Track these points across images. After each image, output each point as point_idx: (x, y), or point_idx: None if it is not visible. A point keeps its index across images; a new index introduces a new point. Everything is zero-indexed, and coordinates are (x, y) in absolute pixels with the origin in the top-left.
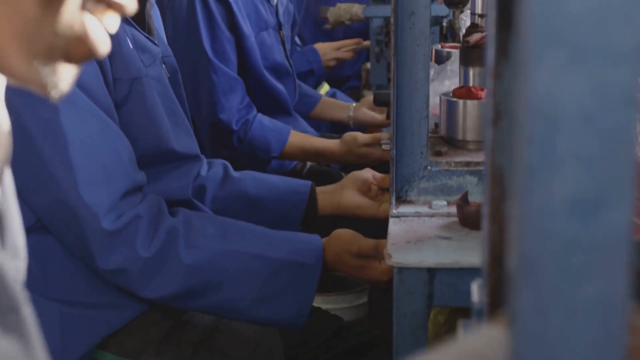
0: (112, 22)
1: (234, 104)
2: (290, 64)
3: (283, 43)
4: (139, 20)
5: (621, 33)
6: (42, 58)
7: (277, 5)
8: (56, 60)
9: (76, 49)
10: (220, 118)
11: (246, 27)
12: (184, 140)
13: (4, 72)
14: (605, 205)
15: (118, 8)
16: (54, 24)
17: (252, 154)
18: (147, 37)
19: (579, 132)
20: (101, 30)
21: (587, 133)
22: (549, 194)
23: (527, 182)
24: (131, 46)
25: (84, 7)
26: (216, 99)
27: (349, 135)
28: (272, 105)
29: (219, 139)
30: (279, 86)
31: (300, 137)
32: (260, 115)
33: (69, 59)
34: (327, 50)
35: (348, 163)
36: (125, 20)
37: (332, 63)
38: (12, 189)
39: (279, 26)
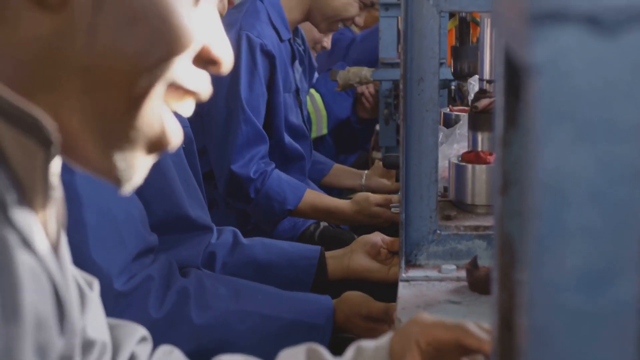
0: (187, 107)
1: (255, 156)
2: (307, 128)
3: (300, 107)
4: None
5: (626, 110)
6: (120, 152)
7: (294, 71)
8: (134, 154)
9: (153, 141)
10: (238, 169)
11: (281, 84)
12: (197, 210)
13: (82, 164)
14: (614, 278)
15: (195, 95)
16: (136, 121)
17: (267, 206)
18: None
19: (587, 206)
20: (175, 122)
21: (594, 207)
22: (559, 266)
23: (537, 255)
24: None
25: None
26: (241, 148)
27: (360, 195)
28: (289, 162)
29: (236, 189)
30: (297, 145)
31: (313, 195)
32: (277, 170)
33: (147, 150)
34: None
35: (358, 223)
36: None
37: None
38: (69, 259)
39: (297, 91)
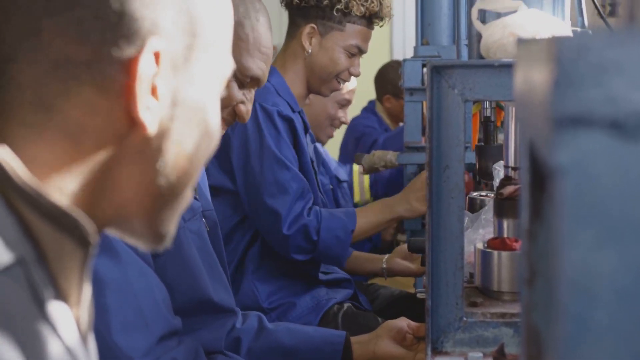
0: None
1: (305, 206)
2: (322, 195)
3: (316, 177)
4: None
5: None
6: (167, 216)
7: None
8: (178, 211)
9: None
10: (304, 223)
11: (305, 145)
12: (221, 294)
13: (126, 235)
14: None
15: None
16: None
17: (332, 237)
18: None
19: (614, 305)
20: None
21: (622, 306)
22: None
23: (564, 351)
24: None
25: None
26: (293, 202)
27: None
28: None
29: (301, 241)
30: None
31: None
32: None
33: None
34: None
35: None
36: None
37: None
38: (96, 353)
39: (312, 162)
